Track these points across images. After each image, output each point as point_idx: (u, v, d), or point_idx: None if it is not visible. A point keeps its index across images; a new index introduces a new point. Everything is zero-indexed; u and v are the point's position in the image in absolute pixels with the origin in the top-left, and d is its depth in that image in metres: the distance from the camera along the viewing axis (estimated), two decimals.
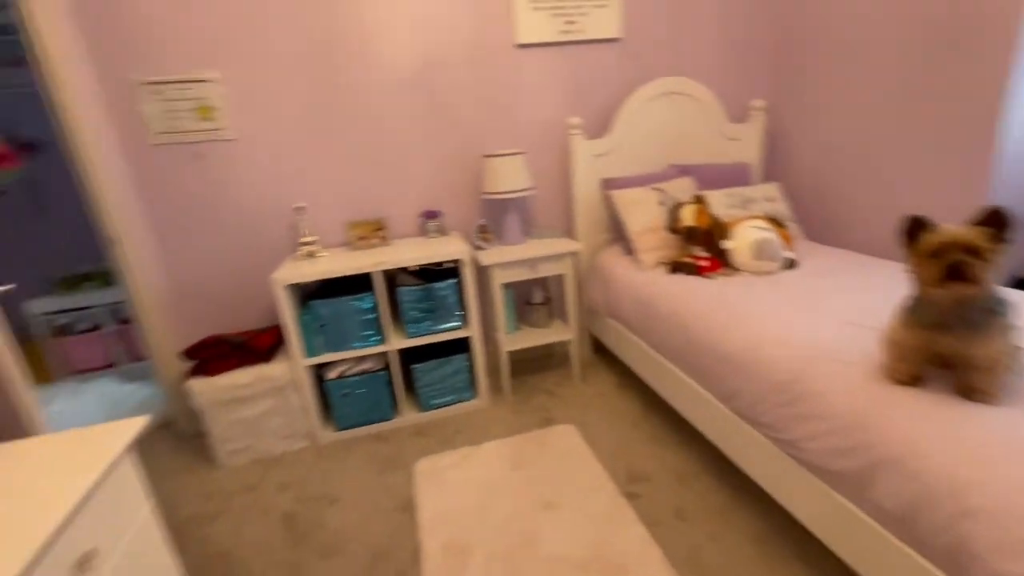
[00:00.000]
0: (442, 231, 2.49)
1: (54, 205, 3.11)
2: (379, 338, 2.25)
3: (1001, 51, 1.76)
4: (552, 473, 1.92)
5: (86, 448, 0.96)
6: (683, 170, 2.58)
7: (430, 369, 2.34)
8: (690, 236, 2.13)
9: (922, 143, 2.08)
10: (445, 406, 2.40)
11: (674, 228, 2.22)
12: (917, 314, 1.13)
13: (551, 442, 2.11)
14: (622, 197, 2.38)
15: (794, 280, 1.92)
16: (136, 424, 1.02)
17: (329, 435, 2.29)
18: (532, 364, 2.80)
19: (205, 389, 2.07)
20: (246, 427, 2.16)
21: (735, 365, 1.56)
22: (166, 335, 2.30)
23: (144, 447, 2.16)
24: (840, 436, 1.19)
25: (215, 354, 2.15)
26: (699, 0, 2.57)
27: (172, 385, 2.32)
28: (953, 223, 1.05)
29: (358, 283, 2.22)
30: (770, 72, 2.77)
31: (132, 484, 1.03)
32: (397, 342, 2.26)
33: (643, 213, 2.32)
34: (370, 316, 2.21)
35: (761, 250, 2.01)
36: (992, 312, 1.05)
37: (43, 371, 2.93)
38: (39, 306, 2.96)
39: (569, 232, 2.70)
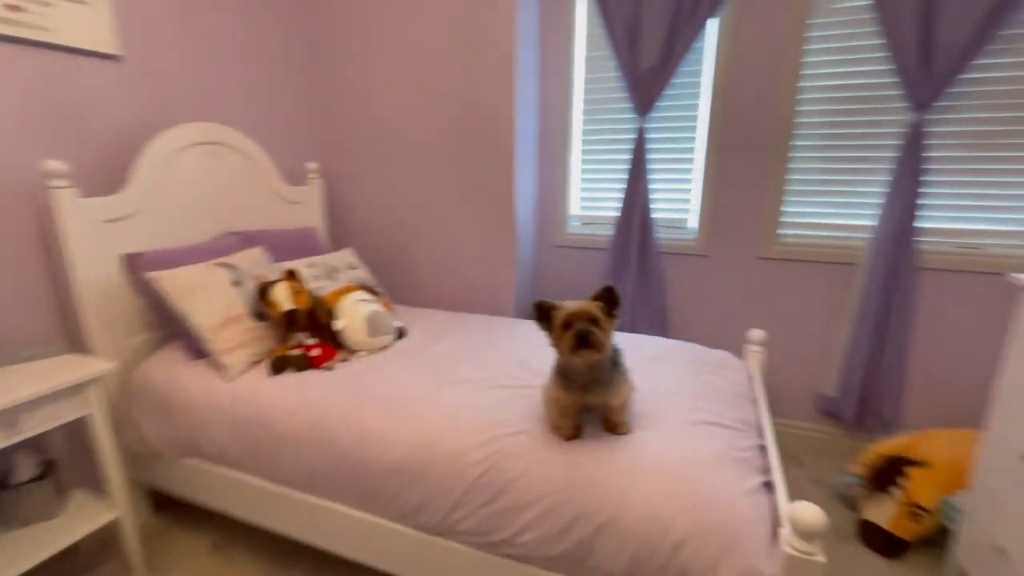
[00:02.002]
0: None
1: None
2: None
3: (504, 140, 2.27)
4: None
5: None
6: (246, 238, 2.06)
7: None
8: (291, 322, 1.69)
9: (464, 207, 2.44)
10: None
11: (266, 314, 1.70)
12: (568, 378, 1.23)
13: None
14: (175, 280, 1.64)
15: (415, 351, 1.83)
16: None
17: None
18: None
19: None
20: None
21: (410, 475, 1.29)
22: None
23: None
24: (554, 518, 1.14)
25: None
26: (229, 40, 2.13)
27: None
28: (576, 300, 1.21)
29: None
30: (324, 135, 2.64)
31: None
32: None
33: (213, 299, 1.67)
34: None
35: (375, 325, 1.81)
36: (615, 366, 1.27)
37: None
38: None
39: (75, 342, 1.65)
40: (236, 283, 1.75)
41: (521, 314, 2.59)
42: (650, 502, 1.08)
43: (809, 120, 2.11)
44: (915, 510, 1.66)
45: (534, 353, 1.81)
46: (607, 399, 1.24)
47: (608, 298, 1.20)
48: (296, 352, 1.67)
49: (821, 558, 0.90)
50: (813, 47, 2.04)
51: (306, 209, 2.47)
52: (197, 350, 1.69)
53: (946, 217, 2.01)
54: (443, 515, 1.25)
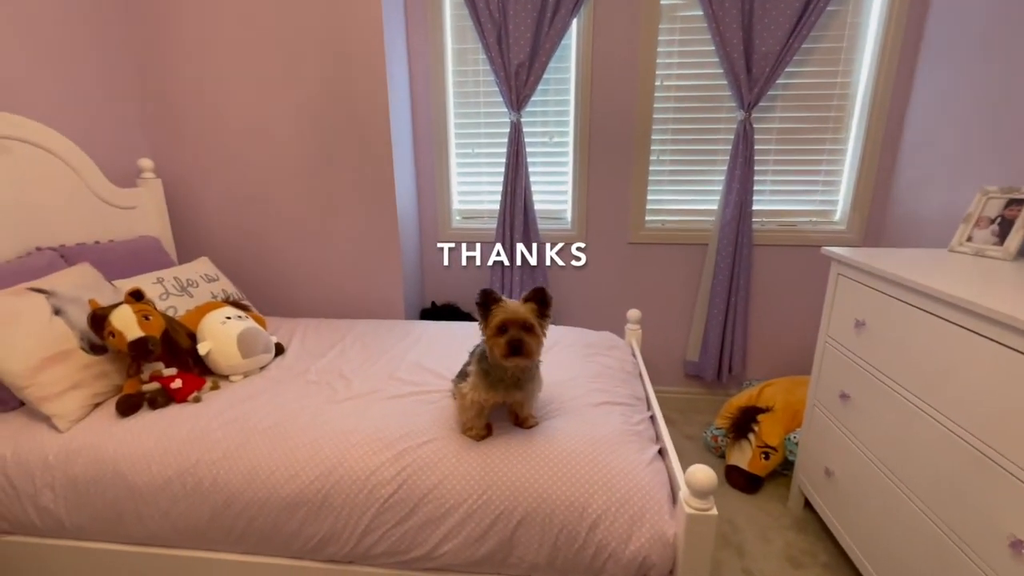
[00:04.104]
0: None
1: None
2: None
3: (381, 135, 2.15)
4: None
5: None
6: (65, 254, 1.70)
7: None
8: (141, 352, 1.42)
9: (340, 207, 2.27)
10: None
11: (105, 345, 1.42)
12: (493, 377, 1.20)
13: None
14: None
15: (300, 367, 1.67)
16: None
17: None
18: None
19: None
20: None
21: (313, 507, 1.18)
22: None
23: None
24: (475, 522, 1.13)
25: None
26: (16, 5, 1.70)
27: None
28: (512, 301, 1.17)
29: None
30: (157, 130, 2.25)
31: None
32: None
33: (25, 335, 1.34)
34: None
35: (249, 344, 1.61)
36: (535, 367, 1.27)
37: None
38: None
39: None
40: (58, 311, 1.43)
41: (413, 315, 2.51)
42: (565, 489, 1.13)
43: (663, 116, 2.33)
44: (766, 449, 1.96)
45: (430, 354, 1.77)
46: (526, 397, 1.26)
47: (539, 299, 1.17)
48: (151, 386, 1.42)
49: (714, 511, 1.02)
50: (663, 50, 2.26)
51: (142, 215, 2.10)
52: (9, 401, 1.35)
53: (770, 200, 2.38)
54: (354, 543, 1.17)
